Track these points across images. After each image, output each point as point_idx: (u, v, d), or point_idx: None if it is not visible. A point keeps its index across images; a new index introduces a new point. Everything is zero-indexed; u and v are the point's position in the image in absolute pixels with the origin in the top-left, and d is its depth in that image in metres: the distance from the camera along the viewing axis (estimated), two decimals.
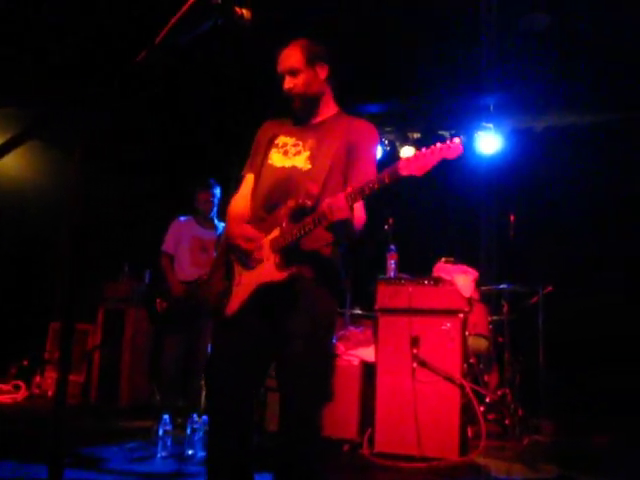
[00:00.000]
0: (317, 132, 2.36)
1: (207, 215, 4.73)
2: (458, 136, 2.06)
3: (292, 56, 2.35)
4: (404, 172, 1.96)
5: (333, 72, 2.39)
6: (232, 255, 2.34)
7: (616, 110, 5.94)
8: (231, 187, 2.54)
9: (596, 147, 5.89)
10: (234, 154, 5.63)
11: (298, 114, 2.39)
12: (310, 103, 2.37)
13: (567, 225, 5.97)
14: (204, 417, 3.63)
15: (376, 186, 2.00)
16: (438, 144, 1.98)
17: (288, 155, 2.34)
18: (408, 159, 1.97)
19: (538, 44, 5.25)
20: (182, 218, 4.76)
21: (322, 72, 2.36)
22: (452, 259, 4.50)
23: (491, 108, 6.22)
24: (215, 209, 4.75)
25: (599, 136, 5.93)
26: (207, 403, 2.39)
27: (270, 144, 2.40)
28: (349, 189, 2.05)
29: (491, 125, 6.15)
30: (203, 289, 4.32)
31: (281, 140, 2.39)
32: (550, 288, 4.95)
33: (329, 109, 2.43)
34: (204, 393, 4.31)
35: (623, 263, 5.79)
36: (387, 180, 1.98)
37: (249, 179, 2.46)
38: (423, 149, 1.98)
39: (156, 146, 6.23)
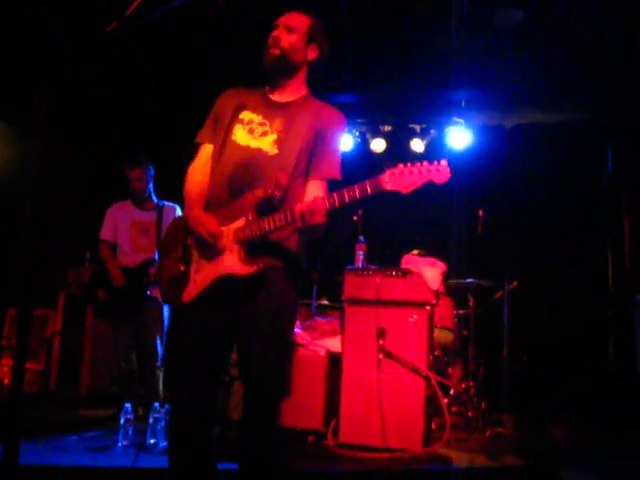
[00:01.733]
0: (285, 113, 2.30)
1: (142, 194, 4.46)
2: (437, 150, 2.07)
3: (299, 18, 2.32)
4: (388, 186, 1.96)
5: (319, 65, 2.36)
6: (190, 239, 2.27)
7: (585, 109, 6.03)
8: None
9: (565, 145, 5.98)
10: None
11: (266, 69, 2.32)
12: (283, 67, 2.31)
13: (534, 222, 6.05)
14: (166, 406, 3.57)
15: (357, 195, 1.98)
16: (425, 164, 1.98)
17: (253, 134, 2.27)
18: (393, 173, 1.96)
19: (511, 40, 5.28)
20: (118, 203, 4.54)
21: (312, 53, 2.33)
22: (424, 251, 4.53)
23: (463, 103, 6.25)
24: (150, 186, 4.51)
25: (568, 134, 6.03)
26: (169, 393, 2.34)
27: (235, 117, 2.31)
28: (331, 195, 2.02)
29: (462, 120, 6.19)
30: (155, 275, 4.21)
31: (247, 116, 2.32)
32: (515, 283, 5.01)
33: (299, 90, 2.38)
34: (161, 381, 4.23)
35: (588, 259, 5.90)
36: (370, 191, 1.97)
37: (208, 149, 2.36)
38: (409, 164, 1.97)
39: (124, 128, 6.09)
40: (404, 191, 1.97)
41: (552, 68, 5.42)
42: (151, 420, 3.56)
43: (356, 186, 2.00)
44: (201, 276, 2.19)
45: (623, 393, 4.77)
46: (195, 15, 4.34)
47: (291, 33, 2.28)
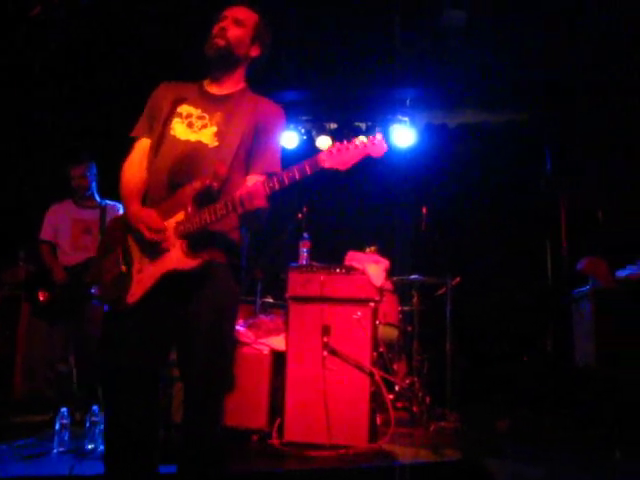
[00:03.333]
0: (224, 106, 2.28)
1: (84, 193, 4.42)
2: (378, 132, 2.07)
3: (247, 14, 2.32)
4: (326, 164, 1.95)
5: (259, 63, 2.37)
6: (131, 237, 2.21)
7: (525, 111, 6.19)
8: None
9: (506, 145, 6.13)
10: None
11: (208, 58, 2.30)
12: (225, 58, 2.29)
13: (476, 219, 6.17)
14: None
15: (297, 176, 1.97)
16: (361, 139, 1.98)
17: (193, 128, 2.24)
18: (330, 151, 1.95)
19: (455, 41, 5.36)
20: (58, 202, 4.47)
21: (255, 50, 2.34)
22: (378, 248, 4.55)
23: (408, 102, 6.32)
24: (94, 185, 4.46)
25: (509, 135, 6.18)
26: (105, 396, 2.26)
27: (172, 110, 2.27)
28: (271, 178, 2.00)
29: (407, 119, 6.25)
30: (92, 271, 4.11)
31: (185, 109, 2.28)
32: (458, 279, 5.09)
33: (237, 84, 2.37)
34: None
35: (527, 256, 6.06)
36: (309, 171, 1.96)
37: (144, 143, 2.32)
38: (345, 142, 1.97)
39: (58, 123, 5.88)
40: (342, 167, 1.97)
41: (494, 70, 5.54)
42: (88, 424, 3.44)
43: (295, 167, 1.98)
44: (145, 275, 2.14)
45: (561, 384, 4.91)
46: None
47: (238, 26, 2.28)
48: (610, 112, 5.56)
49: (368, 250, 4.51)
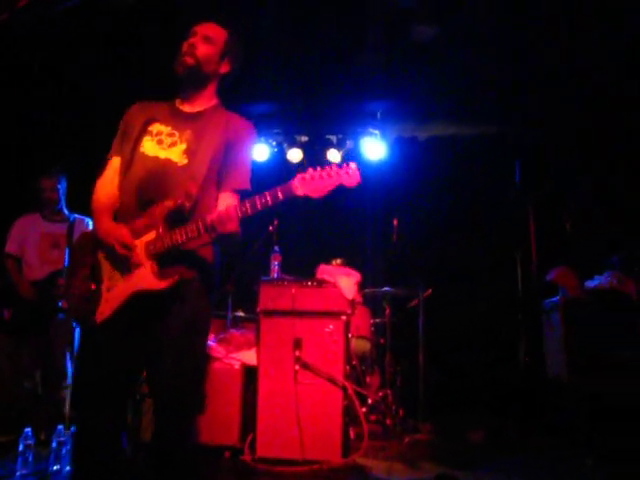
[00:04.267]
0: (194, 124, 2.28)
1: (54, 206, 4.37)
2: (352, 161, 2.08)
3: (217, 31, 2.32)
4: (299, 192, 1.97)
5: (230, 79, 2.37)
6: (101, 254, 2.18)
7: (494, 122, 6.27)
8: None
9: (476, 158, 6.20)
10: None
11: (177, 76, 2.29)
12: (195, 76, 2.29)
13: (447, 231, 6.21)
14: (72, 428, 3.36)
15: (269, 202, 1.98)
16: (334, 167, 2.00)
17: (162, 145, 2.24)
18: (303, 178, 1.97)
19: (426, 55, 5.42)
20: (25, 216, 4.41)
21: (224, 67, 2.33)
22: (345, 261, 4.54)
23: (378, 115, 6.36)
24: (63, 200, 4.42)
25: (479, 148, 6.25)
26: (76, 415, 2.22)
27: (143, 130, 2.27)
28: (243, 203, 2.01)
29: (377, 132, 6.29)
30: (63, 288, 4.05)
31: (156, 128, 2.28)
32: (430, 291, 5.11)
33: (209, 101, 2.36)
34: (67, 402, 4.02)
35: (498, 267, 6.11)
36: (281, 197, 1.97)
37: (115, 162, 2.31)
38: (318, 168, 1.99)
39: (26, 135, 5.77)
40: (315, 195, 1.98)
41: (463, 83, 5.61)
42: (55, 444, 3.35)
43: (267, 193, 1.99)
44: (114, 294, 2.12)
45: (534, 395, 4.94)
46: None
47: (208, 43, 2.28)
48: (580, 124, 5.66)
49: (334, 263, 4.50)
